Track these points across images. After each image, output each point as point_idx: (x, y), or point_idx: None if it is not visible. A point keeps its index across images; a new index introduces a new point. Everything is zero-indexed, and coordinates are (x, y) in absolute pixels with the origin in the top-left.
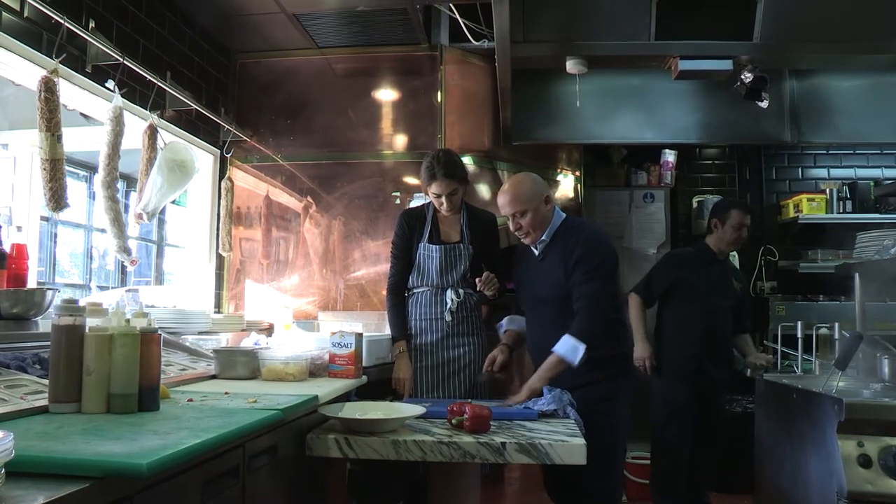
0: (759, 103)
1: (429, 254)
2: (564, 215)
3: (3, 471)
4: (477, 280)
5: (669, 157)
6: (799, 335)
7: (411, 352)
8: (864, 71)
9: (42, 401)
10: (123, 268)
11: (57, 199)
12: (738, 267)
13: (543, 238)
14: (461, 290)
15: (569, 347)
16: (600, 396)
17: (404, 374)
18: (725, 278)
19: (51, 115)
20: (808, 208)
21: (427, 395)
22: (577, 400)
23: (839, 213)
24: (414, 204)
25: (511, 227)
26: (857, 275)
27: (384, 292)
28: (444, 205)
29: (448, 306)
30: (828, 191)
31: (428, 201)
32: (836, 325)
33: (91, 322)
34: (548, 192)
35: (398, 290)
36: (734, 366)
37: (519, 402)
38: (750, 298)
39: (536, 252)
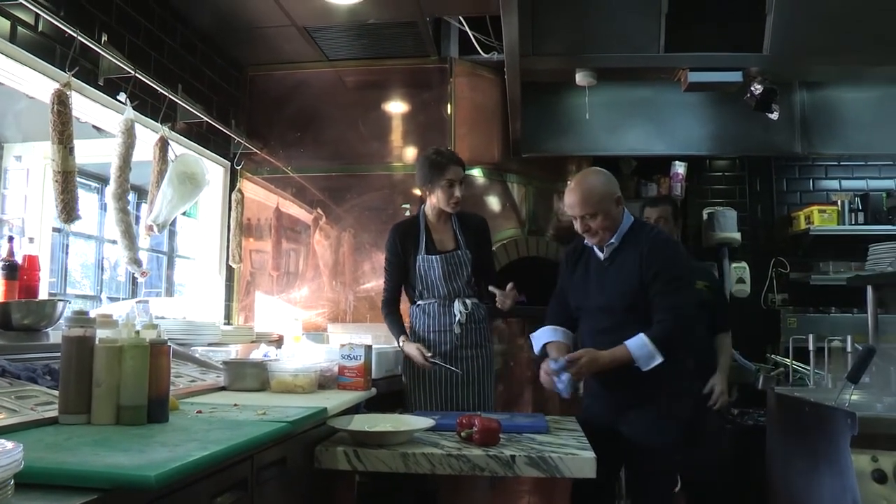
0: (770, 115)
1: (430, 265)
2: (633, 218)
3: (12, 482)
4: (497, 295)
5: (679, 168)
6: (811, 348)
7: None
8: (875, 83)
9: (52, 412)
10: (134, 279)
11: (69, 210)
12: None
13: (612, 241)
14: (468, 301)
15: (645, 352)
16: (653, 416)
17: (413, 350)
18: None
19: (63, 128)
20: (819, 220)
21: (436, 407)
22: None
23: (851, 224)
24: None
25: (578, 228)
26: (869, 287)
27: None
28: (457, 193)
29: (457, 318)
30: (839, 202)
31: (417, 212)
32: (849, 337)
33: (101, 333)
34: (618, 191)
35: (392, 303)
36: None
37: (562, 370)
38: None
39: (602, 255)
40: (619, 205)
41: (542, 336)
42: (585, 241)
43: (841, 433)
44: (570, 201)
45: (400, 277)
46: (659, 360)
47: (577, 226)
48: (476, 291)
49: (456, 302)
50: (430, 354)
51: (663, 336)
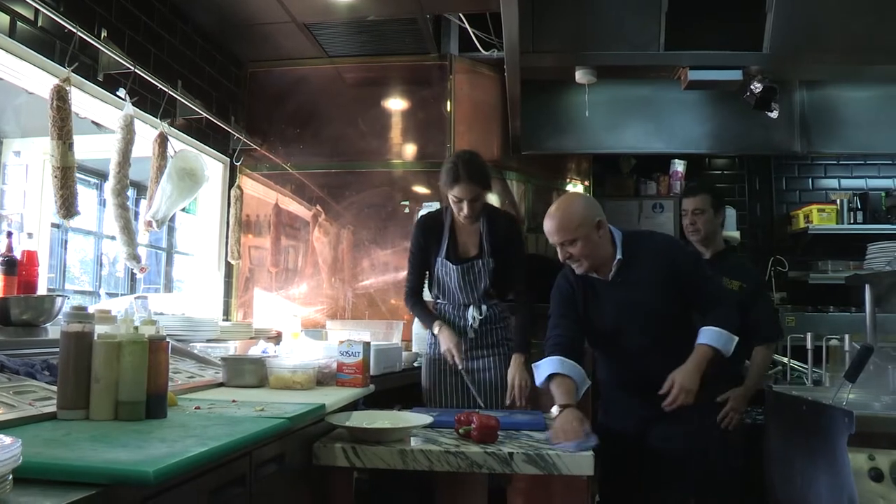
0: (769, 114)
1: (447, 271)
2: (621, 231)
3: (10, 477)
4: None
5: (679, 167)
6: (809, 346)
7: (437, 359)
8: (875, 82)
9: (50, 407)
10: (133, 275)
11: (68, 206)
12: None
13: (619, 257)
14: (483, 307)
15: (724, 339)
16: (681, 422)
17: (450, 341)
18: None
19: (62, 124)
20: (818, 219)
21: (448, 405)
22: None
23: (850, 223)
24: (426, 212)
25: (560, 257)
26: (867, 286)
27: (393, 301)
28: (465, 211)
29: (470, 324)
30: (838, 201)
31: (445, 206)
32: (847, 336)
33: (100, 329)
34: (601, 215)
35: (416, 292)
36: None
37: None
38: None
39: (608, 277)
40: (600, 228)
41: (545, 367)
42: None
43: (838, 431)
44: (548, 228)
45: (423, 271)
46: (735, 339)
47: (559, 253)
48: (494, 297)
49: (470, 308)
50: (462, 365)
51: (729, 318)
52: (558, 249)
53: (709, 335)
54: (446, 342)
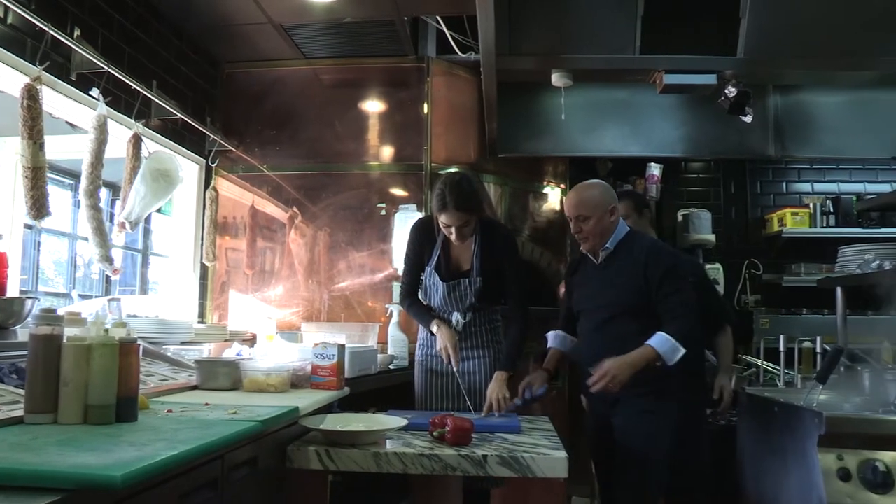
0: (743, 118)
1: (433, 282)
2: (629, 228)
3: None
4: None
5: (655, 170)
6: (781, 349)
7: (427, 359)
8: (847, 87)
9: (18, 411)
10: (108, 277)
11: (38, 207)
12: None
13: (607, 246)
14: (469, 314)
15: (669, 346)
16: (642, 409)
17: (447, 340)
18: None
19: (33, 123)
20: (792, 222)
21: (436, 406)
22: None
23: (823, 227)
24: (402, 214)
25: (571, 229)
26: (839, 288)
27: (369, 303)
28: (454, 235)
29: (453, 326)
30: (811, 205)
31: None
32: (818, 338)
33: (69, 332)
34: (615, 203)
35: (412, 294)
36: None
37: (598, 388)
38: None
39: (597, 260)
40: (612, 215)
41: (551, 339)
42: (581, 249)
43: (808, 432)
44: (567, 202)
45: (418, 273)
46: (682, 352)
47: (571, 226)
48: (482, 307)
49: (454, 314)
50: (456, 367)
51: (683, 330)
52: (571, 223)
53: (658, 339)
54: (442, 340)
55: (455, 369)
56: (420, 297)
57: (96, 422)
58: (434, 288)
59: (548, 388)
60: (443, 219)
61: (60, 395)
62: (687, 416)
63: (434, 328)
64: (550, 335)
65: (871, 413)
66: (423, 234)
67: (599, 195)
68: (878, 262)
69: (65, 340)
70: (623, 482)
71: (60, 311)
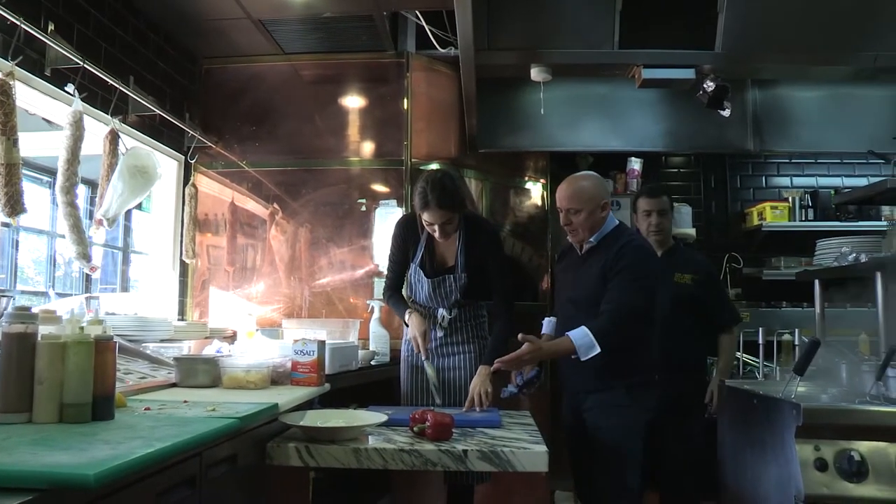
0: (721, 112)
1: (418, 278)
2: (618, 222)
3: None
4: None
5: (635, 165)
6: (761, 341)
7: (412, 355)
8: (825, 82)
9: None
10: (88, 275)
11: (13, 204)
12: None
13: (591, 240)
14: (455, 310)
15: (586, 343)
16: (614, 403)
17: (417, 329)
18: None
19: (6, 119)
20: (771, 216)
21: (422, 403)
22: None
23: (801, 220)
24: (383, 210)
25: (561, 220)
26: (816, 281)
27: (350, 300)
28: (437, 233)
29: (439, 322)
30: (790, 199)
31: None
32: (797, 331)
33: (44, 330)
34: (607, 198)
35: (395, 289)
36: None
37: (505, 364)
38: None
39: (580, 252)
40: (604, 210)
41: (546, 325)
42: (568, 238)
43: (786, 424)
44: (559, 194)
45: (402, 269)
46: (597, 350)
47: (561, 218)
48: (467, 303)
49: (440, 310)
50: (425, 357)
51: (601, 328)
52: (561, 214)
53: (578, 334)
54: (413, 329)
55: (424, 359)
56: (405, 293)
57: (72, 420)
58: (419, 284)
59: (540, 371)
60: (425, 217)
61: (35, 394)
62: (672, 407)
63: (406, 316)
64: (545, 322)
65: (848, 404)
66: (407, 231)
67: (593, 188)
68: (854, 254)
69: (39, 339)
70: (599, 478)
71: (35, 310)
